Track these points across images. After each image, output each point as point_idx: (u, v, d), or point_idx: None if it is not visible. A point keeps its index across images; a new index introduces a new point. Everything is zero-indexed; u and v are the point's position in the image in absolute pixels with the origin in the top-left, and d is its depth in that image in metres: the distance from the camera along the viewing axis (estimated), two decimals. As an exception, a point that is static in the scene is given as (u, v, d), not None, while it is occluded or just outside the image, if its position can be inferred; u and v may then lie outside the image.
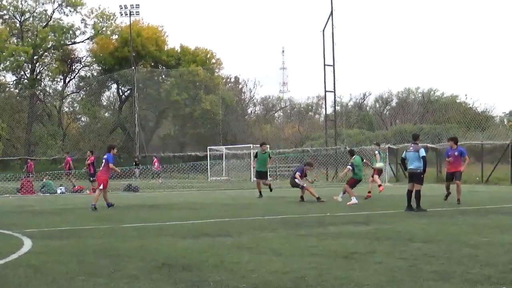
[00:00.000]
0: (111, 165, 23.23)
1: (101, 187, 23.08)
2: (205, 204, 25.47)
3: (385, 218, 18.09)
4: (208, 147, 63.60)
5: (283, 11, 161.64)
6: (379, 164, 28.96)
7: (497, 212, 20.08)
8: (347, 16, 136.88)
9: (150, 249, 11.74)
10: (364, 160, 27.33)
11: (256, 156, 30.12)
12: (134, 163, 60.40)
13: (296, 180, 26.09)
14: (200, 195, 33.70)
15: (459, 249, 11.28)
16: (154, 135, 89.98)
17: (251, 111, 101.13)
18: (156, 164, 57.21)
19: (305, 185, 26.04)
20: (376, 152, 29.81)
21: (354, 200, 24.35)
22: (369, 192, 27.34)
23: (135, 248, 11.81)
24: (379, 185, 27.98)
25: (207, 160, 60.65)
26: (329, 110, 64.33)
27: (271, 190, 29.56)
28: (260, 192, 29.06)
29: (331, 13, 55.75)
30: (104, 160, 23.46)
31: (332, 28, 55.69)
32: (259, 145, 31.65)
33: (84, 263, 10.26)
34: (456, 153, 23.53)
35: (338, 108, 63.50)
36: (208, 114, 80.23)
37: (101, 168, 23.79)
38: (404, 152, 21.47)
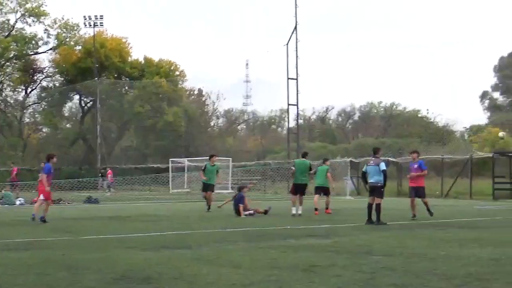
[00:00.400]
0: (42, 176, 21.76)
1: (41, 197, 21.84)
2: (166, 216, 25.39)
3: (346, 231, 18.16)
4: (170, 159, 63.40)
5: (247, 25, 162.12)
6: (325, 181, 27.27)
7: (456, 226, 20.26)
8: (311, 30, 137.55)
9: (109, 261, 11.66)
10: (311, 172, 26.07)
11: (204, 168, 29.46)
12: (100, 175, 60.14)
13: (241, 212, 24.81)
14: (161, 207, 33.58)
15: (417, 262, 11.34)
16: (116, 147, 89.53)
17: (214, 124, 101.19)
18: (109, 176, 56.95)
19: (252, 212, 25.18)
20: (330, 171, 28.13)
21: (293, 211, 24.30)
22: (326, 208, 26.62)
23: (94, 260, 11.72)
24: (315, 209, 25.73)
25: (168, 172, 60.48)
26: (292, 123, 64.58)
27: (208, 208, 28.35)
28: (208, 204, 28.50)
29: (295, 28, 56.10)
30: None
31: (296, 42, 56.07)
32: (208, 157, 30.68)
33: (42, 275, 10.14)
34: (415, 166, 23.27)
35: (301, 121, 63.88)
36: (171, 126, 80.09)
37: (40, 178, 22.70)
38: (365, 165, 21.59)
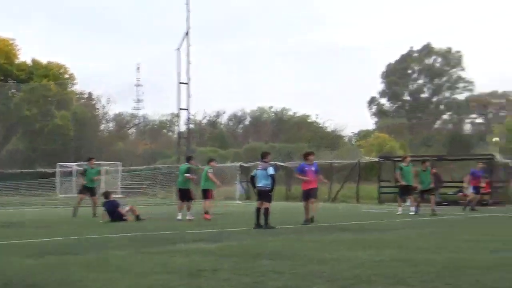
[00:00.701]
0: None
1: None
2: (53, 221, 24.86)
3: (234, 235, 18.23)
4: (58, 164, 62.25)
5: (140, 29, 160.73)
6: (207, 183, 25.77)
7: (343, 229, 20.63)
8: (204, 35, 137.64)
9: (-9, 268, 11.35)
10: (186, 175, 25.33)
11: (84, 172, 28.83)
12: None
13: (125, 213, 24.43)
14: (47, 212, 32.93)
15: (305, 265, 11.48)
16: (2, 151, 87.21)
17: (104, 128, 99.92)
18: None
19: (128, 208, 24.98)
20: (210, 170, 26.00)
21: (178, 216, 24.23)
22: (206, 212, 25.20)
23: (-25, 268, 11.38)
24: (206, 212, 25.30)
25: (56, 177, 59.39)
26: (183, 128, 64.35)
27: (94, 214, 27.00)
28: (76, 209, 27.43)
29: (187, 32, 55.91)
30: None
31: (188, 47, 55.85)
32: (87, 161, 29.95)
33: None
34: (313, 168, 22.86)
35: (192, 125, 63.69)
36: (60, 130, 78.61)
37: None
38: (254, 170, 21.75)
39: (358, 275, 10.30)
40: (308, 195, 22.78)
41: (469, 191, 33.94)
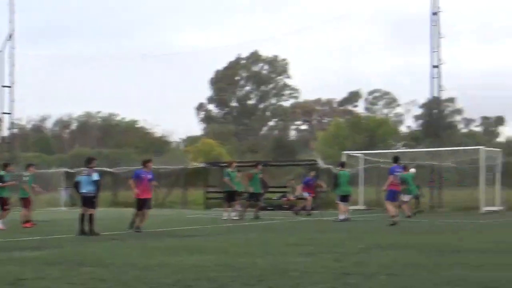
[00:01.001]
0: None
1: None
2: None
3: (58, 242, 17.93)
4: None
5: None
6: (23, 191, 25.53)
7: (168, 234, 20.72)
8: (30, 37, 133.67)
9: None
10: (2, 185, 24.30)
11: None
12: None
13: None
14: None
15: (128, 272, 11.44)
16: None
17: None
18: None
19: None
20: (24, 178, 25.76)
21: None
22: (29, 221, 24.84)
23: None
24: (26, 221, 24.76)
25: None
26: (6, 133, 62.36)
27: None
28: None
29: (10, 35, 54.33)
30: None
31: (11, 49, 54.24)
32: None
33: None
34: (149, 176, 22.15)
35: (15, 130, 61.83)
36: None
37: None
38: (78, 176, 21.49)
39: (181, 280, 10.40)
40: (143, 204, 22.07)
41: (305, 195, 34.42)
